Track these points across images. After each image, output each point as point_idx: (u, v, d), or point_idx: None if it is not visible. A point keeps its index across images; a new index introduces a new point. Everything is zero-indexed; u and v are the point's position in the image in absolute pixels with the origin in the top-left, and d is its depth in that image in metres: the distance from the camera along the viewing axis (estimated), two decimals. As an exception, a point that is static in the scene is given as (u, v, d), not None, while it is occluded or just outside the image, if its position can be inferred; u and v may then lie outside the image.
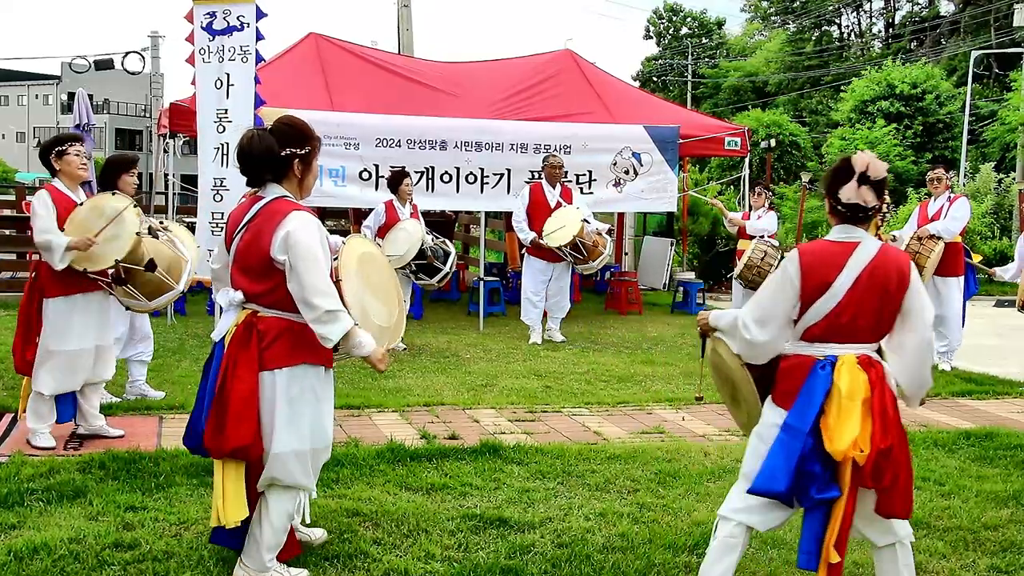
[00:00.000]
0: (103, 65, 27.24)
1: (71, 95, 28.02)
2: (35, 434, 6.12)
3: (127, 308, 6.17)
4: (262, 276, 4.02)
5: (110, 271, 5.82)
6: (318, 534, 4.54)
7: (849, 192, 3.76)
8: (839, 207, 3.82)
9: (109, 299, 6.17)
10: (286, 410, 4.04)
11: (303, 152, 4.13)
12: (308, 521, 4.48)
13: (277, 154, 4.08)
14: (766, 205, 11.43)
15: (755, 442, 3.92)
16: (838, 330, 3.78)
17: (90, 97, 13.80)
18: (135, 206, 5.81)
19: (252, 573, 4.16)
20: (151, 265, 5.80)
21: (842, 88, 33.03)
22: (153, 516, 4.82)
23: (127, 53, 26.71)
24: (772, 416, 3.87)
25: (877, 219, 3.96)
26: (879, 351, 3.89)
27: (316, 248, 3.95)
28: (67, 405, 6.29)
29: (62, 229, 5.89)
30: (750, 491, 3.84)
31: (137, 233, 5.68)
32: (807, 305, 3.79)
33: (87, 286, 5.93)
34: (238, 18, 9.04)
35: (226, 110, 9.04)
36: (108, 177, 7.08)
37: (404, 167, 11.57)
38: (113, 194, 5.94)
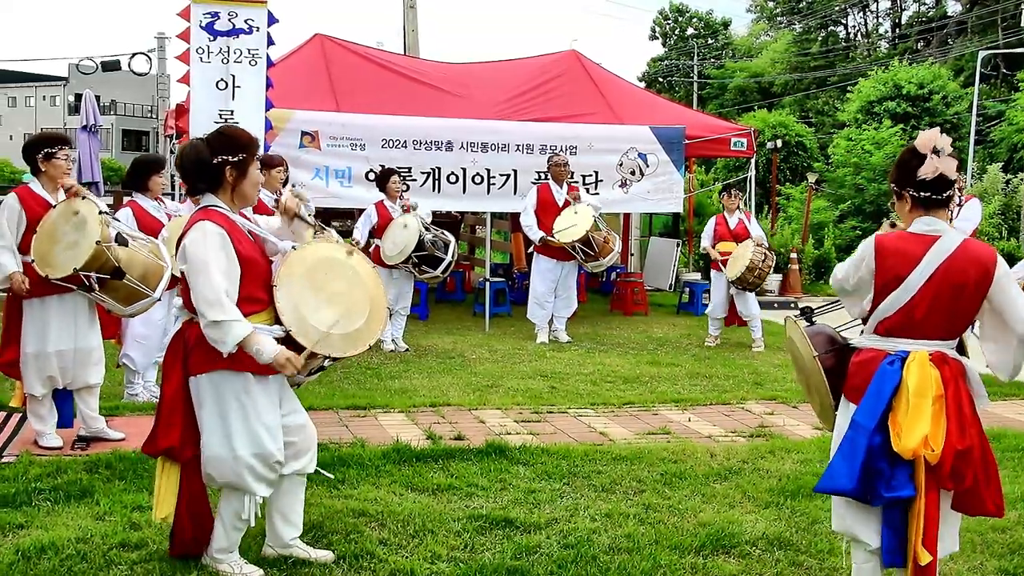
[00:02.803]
0: (110, 66, 27.29)
1: (78, 96, 28.05)
2: (42, 435, 6.15)
3: (108, 311, 6.14)
4: (185, 285, 4.09)
5: (83, 277, 5.72)
6: (321, 555, 4.48)
7: (929, 168, 3.68)
8: (921, 192, 3.73)
9: (88, 302, 6.11)
10: (210, 414, 4.11)
11: (236, 160, 4.12)
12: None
13: (208, 162, 4.10)
14: (740, 206, 11.50)
15: (834, 438, 3.90)
16: (911, 325, 3.72)
17: (97, 98, 13.86)
18: (101, 213, 5.71)
19: (208, 563, 4.29)
20: (118, 273, 5.71)
21: (848, 89, 32.95)
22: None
23: (134, 54, 26.74)
24: (844, 412, 3.85)
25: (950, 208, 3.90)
26: (960, 347, 3.82)
27: (206, 258, 3.95)
28: (67, 409, 6.32)
29: (34, 231, 5.86)
30: (816, 489, 3.83)
31: (98, 242, 5.56)
32: (880, 298, 3.74)
33: (61, 288, 5.88)
34: (246, 21, 9.05)
35: (232, 111, 9.05)
36: (137, 178, 7.14)
37: (409, 168, 11.62)
38: (83, 199, 5.84)
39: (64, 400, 6.31)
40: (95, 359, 6.21)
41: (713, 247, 11.33)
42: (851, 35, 54.18)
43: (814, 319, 4.14)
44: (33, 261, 5.82)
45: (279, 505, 4.40)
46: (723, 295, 11.27)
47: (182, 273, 4.08)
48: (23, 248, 5.97)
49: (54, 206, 5.93)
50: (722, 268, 11.11)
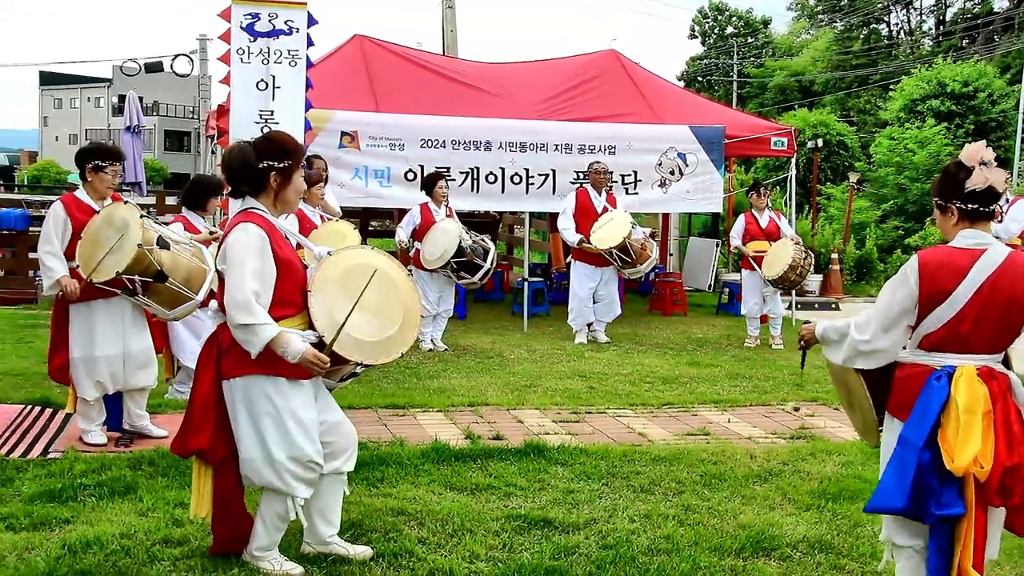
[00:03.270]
0: (153, 68, 27.61)
1: (122, 98, 28.51)
2: (87, 432, 6.24)
3: (153, 316, 6.22)
4: (223, 287, 4.12)
5: (126, 280, 5.83)
6: (360, 551, 4.51)
7: (979, 179, 3.63)
8: (969, 205, 3.68)
9: (134, 306, 6.18)
10: (245, 418, 4.15)
11: (281, 166, 4.17)
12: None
13: (254, 167, 4.14)
14: (770, 204, 11.41)
15: (882, 456, 3.86)
16: (958, 339, 3.66)
17: (140, 99, 14.04)
18: (142, 217, 5.80)
19: (249, 560, 4.32)
20: (161, 276, 5.80)
21: (891, 87, 32.61)
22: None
23: (176, 56, 26.97)
24: (890, 428, 3.80)
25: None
26: (1005, 360, 3.77)
27: (243, 259, 4.00)
28: (116, 410, 6.41)
29: (78, 238, 5.97)
30: (866, 510, 3.78)
31: (139, 245, 5.64)
32: (925, 313, 3.68)
33: (106, 293, 5.97)
34: (286, 22, 9.12)
35: (272, 112, 9.13)
36: (195, 198, 7.24)
37: (448, 168, 11.65)
38: (125, 203, 5.95)
39: (114, 403, 6.40)
40: (144, 361, 6.29)
41: (744, 246, 11.25)
42: (894, 33, 53.57)
43: None
44: (78, 266, 5.92)
45: (318, 504, 4.42)
46: (759, 294, 11.19)
47: (219, 273, 4.14)
48: (69, 254, 6.08)
49: (98, 212, 6.03)
50: (755, 267, 11.03)
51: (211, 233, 7.04)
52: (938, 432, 3.60)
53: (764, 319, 11.44)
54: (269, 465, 4.14)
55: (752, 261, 11.09)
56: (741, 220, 11.48)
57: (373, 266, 4.36)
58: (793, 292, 11.12)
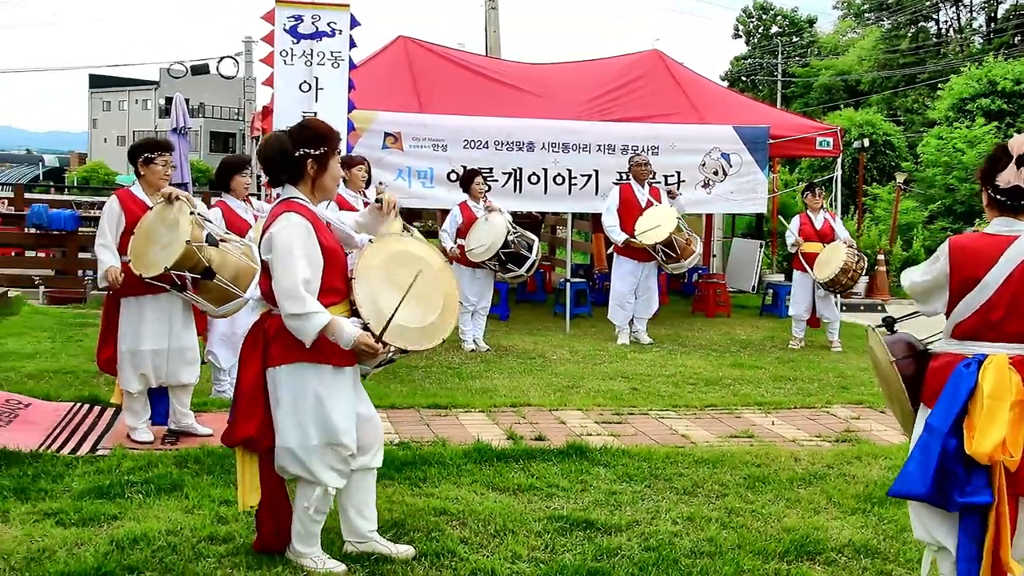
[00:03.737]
0: (199, 70, 27.97)
1: (168, 99, 28.87)
2: (134, 429, 6.32)
3: (203, 312, 6.30)
4: (266, 276, 4.16)
5: (175, 276, 5.91)
6: (402, 550, 4.52)
7: (1008, 176, 3.60)
8: (998, 195, 3.67)
9: (183, 303, 6.26)
10: (287, 405, 4.17)
11: (317, 152, 4.20)
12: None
13: (290, 155, 4.18)
14: (825, 205, 11.29)
15: (911, 444, 3.85)
16: (989, 328, 3.64)
17: (186, 101, 14.18)
18: (192, 214, 5.88)
19: (292, 557, 4.36)
20: (208, 273, 5.86)
21: (939, 86, 32.10)
22: (246, 511, 4.84)
23: (222, 58, 27.30)
24: (921, 417, 3.79)
25: None
26: None
27: (290, 249, 4.03)
28: (162, 406, 6.49)
29: (132, 232, 6.07)
30: (889, 493, 3.77)
31: (188, 242, 5.72)
32: (956, 300, 3.67)
33: (156, 288, 6.06)
34: (329, 24, 9.20)
35: (315, 113, 9.20)
36: (221, 178, 7.35)
37: (491, 168, 11.67)
38: (177, 200, 6.02)
39: (161, 398, 6.49)
40: (189, 359, 6.36)
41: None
42: (943, 31, 52.79)
43: (896, 328, 4.08)
44: (129, 260, 6.01)
45: (352, 500, 4.46)
46: (808, 296, 11.08)
47: (263, 263, 4.17)
48: (121, 249, 6.19)
49: (151, 208, 6.12)
50: (807, 268, 10.92)
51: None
52: (964, 419, 3.58)
53: (814, 322, 11.32)
54: (305, 453, 4.17)
55: (804, 262, 10.98)
56: (796, 221, 11.38)
57: (414, 253, 4.40)
58: (838, 294, 11.00)
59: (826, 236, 11.03)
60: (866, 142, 18.73)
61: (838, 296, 11.18)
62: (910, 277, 3.95)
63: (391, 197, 4.53)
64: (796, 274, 11.27)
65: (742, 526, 5.04)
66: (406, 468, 5.74)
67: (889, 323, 4.09)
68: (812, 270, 10.84)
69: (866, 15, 55.00)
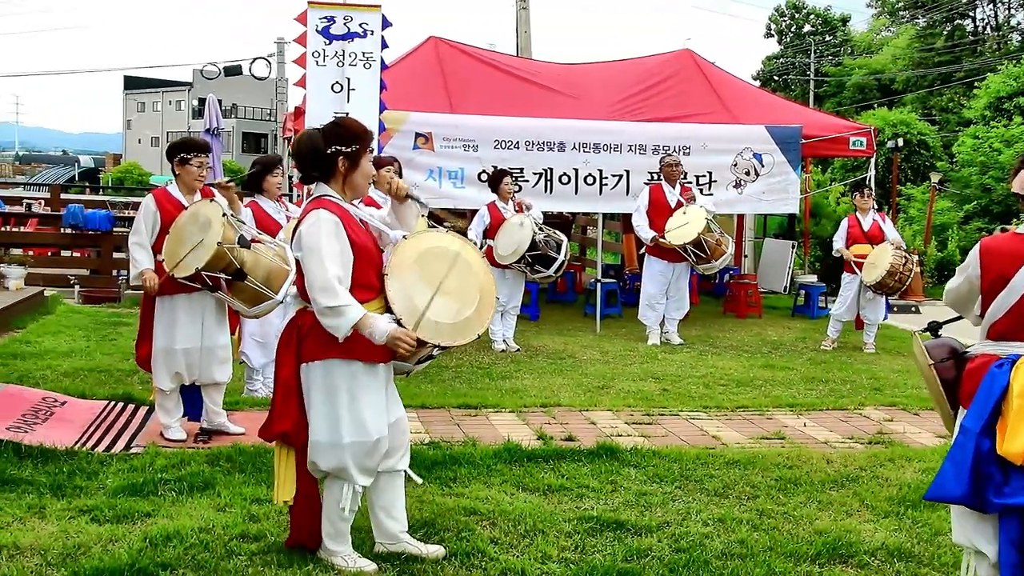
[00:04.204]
0: (232, 71, 28.31)
1: (202, 101, 29.18)
2: (167, 427, 6.39)
3: (236, 312, 6.35)
4: (300, 273, 4.20)
5: (206, 277, 5.96)
6: (432, 550, 4.54)
7: (1020, 181, 3.63)
8: (1019, 197, 3.70)
9: (216, 302, 6.32)
10: (320, 402, 4.21)
11: (348, 150, 4.22)
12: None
13: (322, 152, 4.21)
14: (874, 206, 11.20)
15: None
16: (1022, 327, 3.63)
17: (219, 102, 14.30)
18: (225, 215, 5.92)
19: (324, 556, 4.39)
20: (240, 274, 5.90)
21: (976, 85, 31.73)
22: (278, 509, 4.90)
23: (254, 59, 27.57)
24: (960, 419, 3.78)
25: None
26: None
27: (320, 245, 4.06)
28: (195, 403, 6.55)
29: (167, 232, 6.14)
30: (926, 497, 3.76)
31: (219, 243, 5.75)
32: (989, 300, 3.68)
33: (189, 288, 6.12)
34: (360, 25, 9.25)
35: (347, 114, 9.24)
36: (254, 178, 7.41)
37: (521, 169, 11.67)
38: (211, 201, 6.10)
39: (195, 396, 6.55)
40: (222, 357, 6.42)
41: (847, 249, 11.06)
42: (979, 28, 52.19)
43: (941, 332, 4.08)
44: (163, 260, 6.08)
45: (380, 502, 4.48)
46: (855, 299, 11.01)
47: (297, 261, 4.20)
48: (157, 248, 6.28)
49: (187, 208, 6.19)
50: (856, 271, 10.83)
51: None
52: (998, 420, 3.56)
53: (859, 324, 11.24)
54: (336, 449, 4.20)
55: (854, 265, 10.90)
56: (844, 223, 11.30)
57: (449, 249, 4.41)
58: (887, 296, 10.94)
59: (875, 238, 10.94)
60: (900, 142, 18.59)
61: (887, 298, 11.11)
62: (947, 288, 3.98)
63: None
64: (845, 276, 11.19)
65: (773, 528, 5.02)
66: (436, 468, 5.76)
67: (934, 327, 4.10)
68: (860, 272, 10.76)
69: (900, 13, 54.47)
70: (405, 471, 4.56)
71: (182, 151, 6.39)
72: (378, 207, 7.93)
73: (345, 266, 4.11)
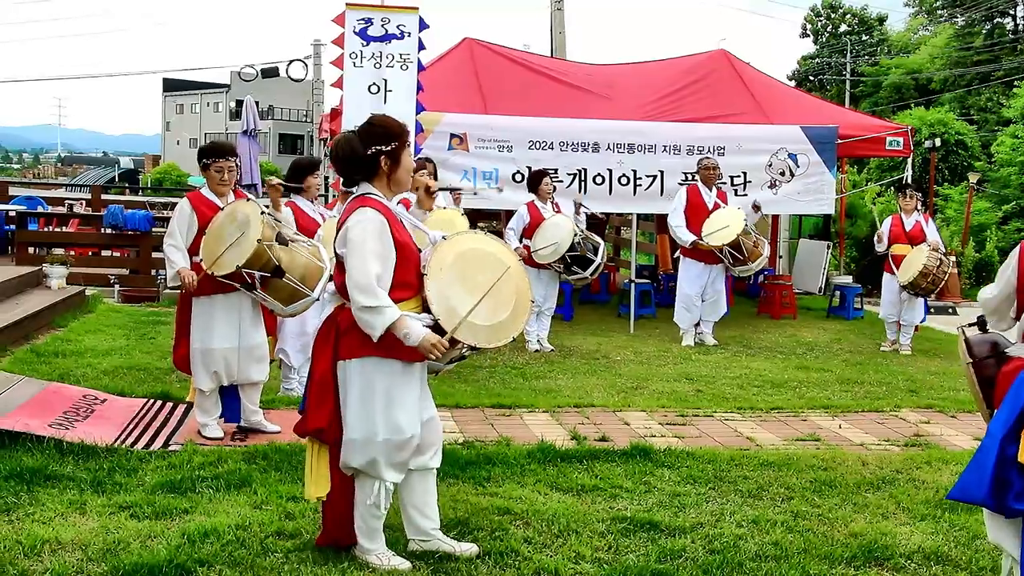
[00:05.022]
0: (269, 73, 28.50)
1: (239, 102, 29.49)
2: (205, 426, 6.46)
3: (271, 311, 6.41)
4: (340, 270, 4.24)
5: (245, 275, 6.02)
6: (466, 548, 4.57)
7: None
8: None
9: (252, 302, 6.38)
10: (356, 399, 4.24)
11: (388, 149, 4.26)
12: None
13: (362, 154, 4.24)
14: (919, 207, 11.13)
15: None
16: None
17: (256, 104, 14.42)
18: (263, 213, 5.99)
19: (358, 554, 4.42)
20: (278, 272, 5.96)
21: (1015, 83, 31.38)
22: (313, 507, 4.93)
23: (291, 61, 27.77)
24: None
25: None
26: None
27: (364, 243, 4.09)
28: (233, 404, 6.62)
29: (203, 233, 6.22)
30: (947, 497, 3.78)
31: (259, 241, 5.83)
32: None
33: (227, 287, 6.18)
34: (398, 27, 9.31)
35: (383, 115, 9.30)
36: (294, 178, 7.52)
37: (556, 169, 11.69)
38: (248, 200, 6.17)
39: (233, 397, 6.61)
40: (258, 357, 6.49)
41: (887, 248, 11.04)
42: (1019, 27, 51.52)
43: (988, 328, 4.06)
44: (201, 260, 6.15)
45: (412, 500, 4.51)
46: (895, 298, 10.97)
47: (338, 257, 4.24)
48: (193, 250, 6.35)
49: (222, 209, 6.25)
50: (894, 271, 10.82)
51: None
52: (1023, 426, 3.53)
53: (897, 326, 11.22)
54: (369, 446, 4.23)
55: (892, 264, 10.89)
56: (887, 223, 11.30)
57: (488, 251, 4.44)
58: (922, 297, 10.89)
59: (915, 238, 10.91)
60: (937, 141, 18.40)
61: (925, 300, 11.07)
62: (983, 294, 3.97)
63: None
64: (885, 276, 11.21)
65: (808, 530, 5.01)
66: (470, 467, 5.78)
67: (983, 322, 4.08)
68: (897, 272, 10.75)
69: (939, 12, 53.91)
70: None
71: (205, 156, 6.51)
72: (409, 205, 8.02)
73: (386, 266, 4.15)
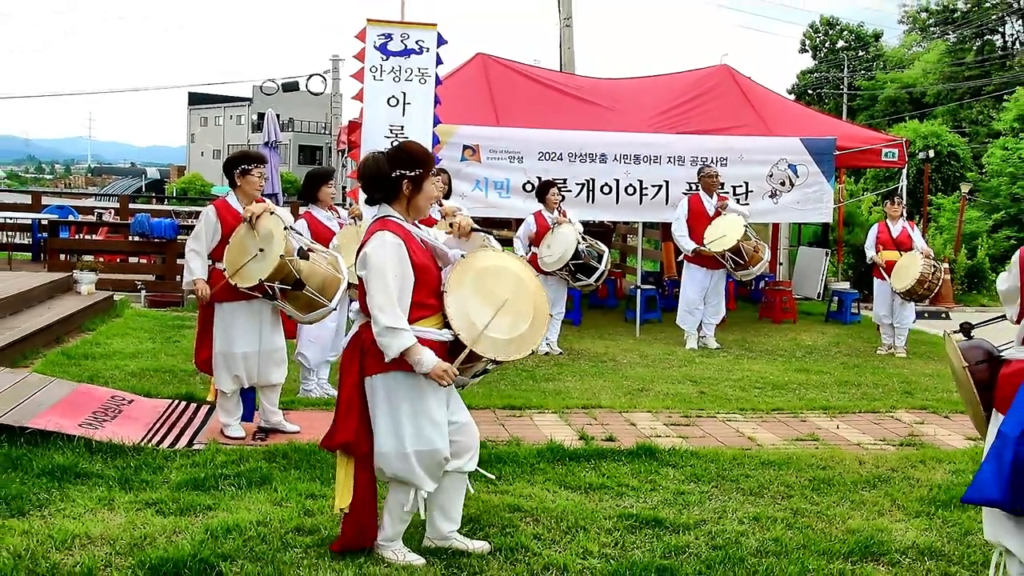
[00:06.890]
0: (290, 87, 28.75)
1: (261, 115, 29.65)
2: (227, 426, 6.60)
3: (289, 317, 6.59)
4: (362, 290, 4.34)
5: (267, 287, 6.18)
6: (478, 545, 4.64)
7: None
8: None
9: (272, 308, 6.53)
10: (383, 412, 4.35)
11: (412, 174, 4.36)
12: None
13: (387, 175, 4.35)
14: (904, 214, 11.37)
15: (985, 449, 3.85)
16: None
17: (277, 116, 14.63)
18: (286, 228, 6.13)
19: (378, 549, 4.53)
20: (299, 284, 6.13)
21: (1005, 98, 31.54)
22: (331, 504, 4.97)
23: (310, 76, 28.01)
24: (993, 423, 3.80)
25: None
26: None
27: (384, 266, 4.20)
28: (248, 404, 6.79)
29: (226, 241, 6.38)
30: (964, 499, 3.78)
31: (282, 256, 5.99)
32: None
33: (247, 295, 6.33)
34: (417, 42, 9.52)
35: (402, 127, 9.52)
36: (309, 188, 7.67)
37: (565, 179, 11.91)
38: (271, 214, 6.30)
39: (247, 396, 6.78)
40: (278, 360, 6.63)
41: (876, 255, 11.25)
42: (1009, 43, 51.74)
43: (973, 334, 4.09)
44: (224, 269, 6.33)
45: (439, 501, 4.58)
46: (888, 301, 11.20)
47: (359, 279, 4.36)
48: (216, 256, 6.51)
49: (245, 219, 6.40)
50: (885, 276, 11.02)
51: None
52: None
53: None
54: (402, 458, 4.34)
55: (883, 270, 11.08)
56: (874, 229, 11.53)
57: (506, 267, 4.54)
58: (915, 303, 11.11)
59: (903, 244, 11.15)
60: (931, 153, 18.61)
61: (912, 305, 11.28)
62: (998, 285, 4.02)
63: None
64: (876, 281, 11.45)
65: (807, 527, 5.10)
66: (481, 466, 5.81)
67: (966, 329, 4.11)
68: (889, 278, 10.94)
69: (931, 29, 54.16)
70: (477, 470, 4.69)
71: (243, 163, 6.59)
72: (432, 221, 8.21)
73: (405, 287, 4.26)
